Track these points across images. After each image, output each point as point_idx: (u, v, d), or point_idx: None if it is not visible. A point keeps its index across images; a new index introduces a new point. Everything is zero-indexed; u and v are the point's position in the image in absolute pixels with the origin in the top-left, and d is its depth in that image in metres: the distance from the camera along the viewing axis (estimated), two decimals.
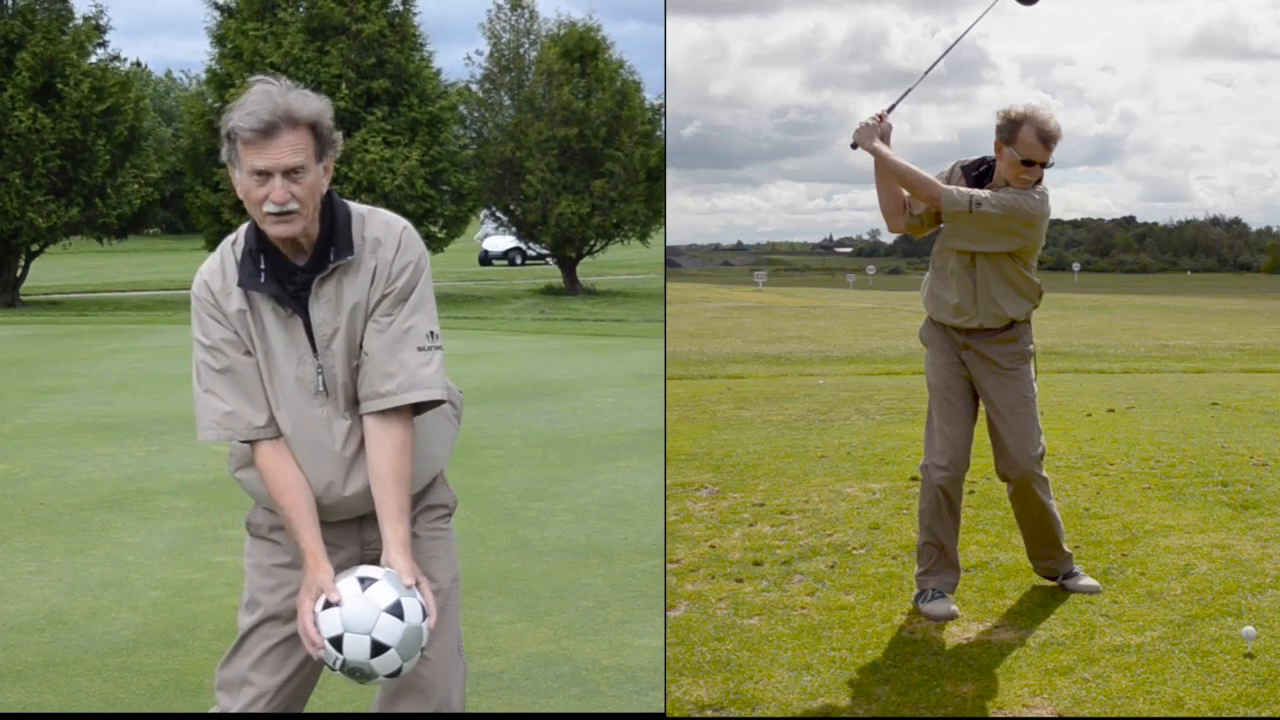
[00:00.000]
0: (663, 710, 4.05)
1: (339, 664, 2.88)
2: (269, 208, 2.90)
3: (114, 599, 5.83)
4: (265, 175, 2.89)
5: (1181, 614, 4.63)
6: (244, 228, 3.03)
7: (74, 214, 28.46)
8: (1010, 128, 4.52)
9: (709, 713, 3.90)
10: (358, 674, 2.89)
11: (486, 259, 49.76)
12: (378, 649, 2.85)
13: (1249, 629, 4.32)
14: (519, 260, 49.38)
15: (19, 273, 29.21)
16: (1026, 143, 4.50)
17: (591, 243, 33.31)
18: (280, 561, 3.11)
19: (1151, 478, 7.08)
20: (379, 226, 3.03)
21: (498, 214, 34.00)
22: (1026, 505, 4.86)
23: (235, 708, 3.08)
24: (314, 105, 2.93)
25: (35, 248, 29.41)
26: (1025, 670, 4.14)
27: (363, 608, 2.86)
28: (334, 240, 2.98)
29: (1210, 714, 3.80)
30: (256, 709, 3.07)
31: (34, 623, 5.50)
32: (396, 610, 2.86)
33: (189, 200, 31.02)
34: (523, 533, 6.97)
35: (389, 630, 2.85)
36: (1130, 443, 8.33)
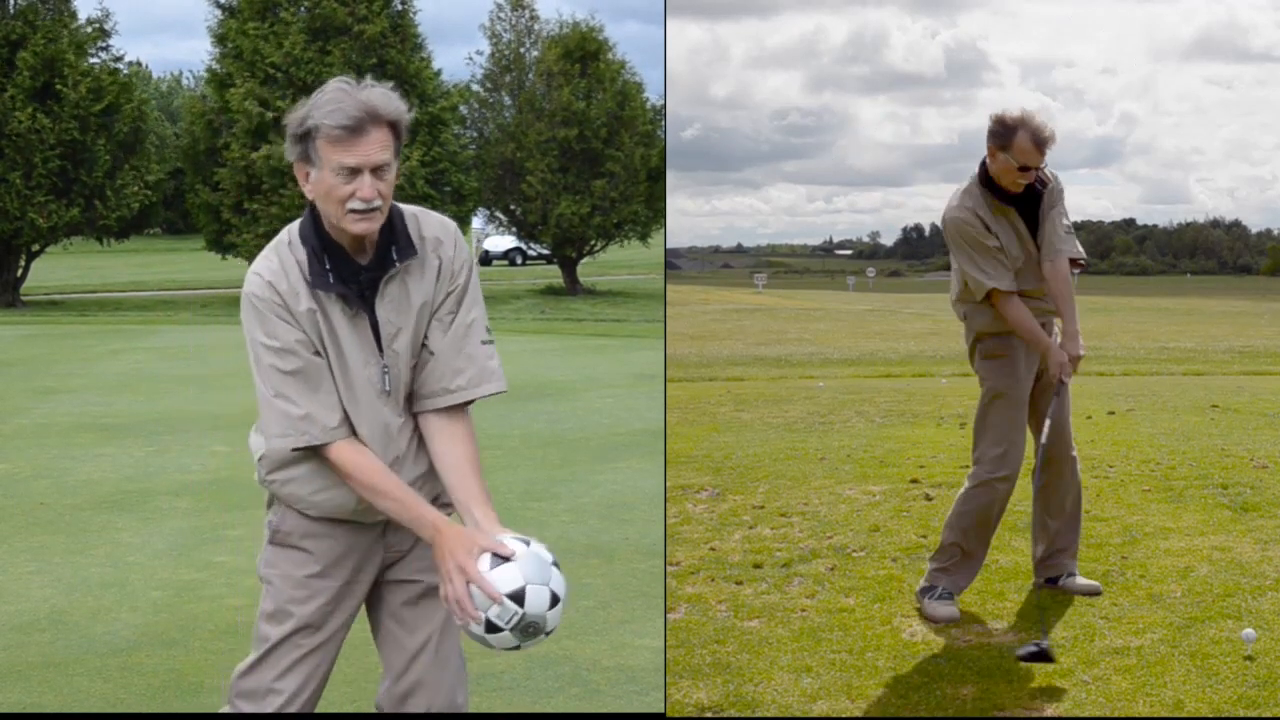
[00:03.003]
0: (663, 711, 4.05)
1: (516, 620, 2.78)
2: (355, 205, 2.89)
3: (114, 599, 5.82)
4: (353, 172, 2.88)
5: (1181, 616, 4.64)
6: (295, 228, 3.01)
7: (74, 214, 28.45)
8: (1006, 133, 4.52)
9: (709, 715, 3.90)
10: (530, 630, 2.80)
11: (487, 259, 49.80)
12: (554, 601, 2.82)
13: (1249, 631, 4.32)
14: (519, 260, 49.41)
15: (19, 273, 29.20)
16: (1022, 148, 4.50)
17: (592, 243, 33.32)
18: (312, 572, 3.08)
19: (1151, 480, 7.09)
20: (435, 226, 3.07)
21: (498, 214, 34.01)
22: (1069, 487, 4.93)
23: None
24: (396, 104, 2.94)
25: (36, 248, 29.42)
26: (1025, 673, 4.14)
27: (536, 560, 2.84)
28: (394, 239, 2.99)
29: (1210, 716, 3.80)
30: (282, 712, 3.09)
31: (34, 623, 5.50)
32: (558, 566, 2.86)
33: (189, 200, 31.02)
34: (523, 533, 6.95)
35: (560, 584, 2.84)
36: (1130, 445, 8.34)
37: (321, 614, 3.08)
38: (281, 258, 2.98)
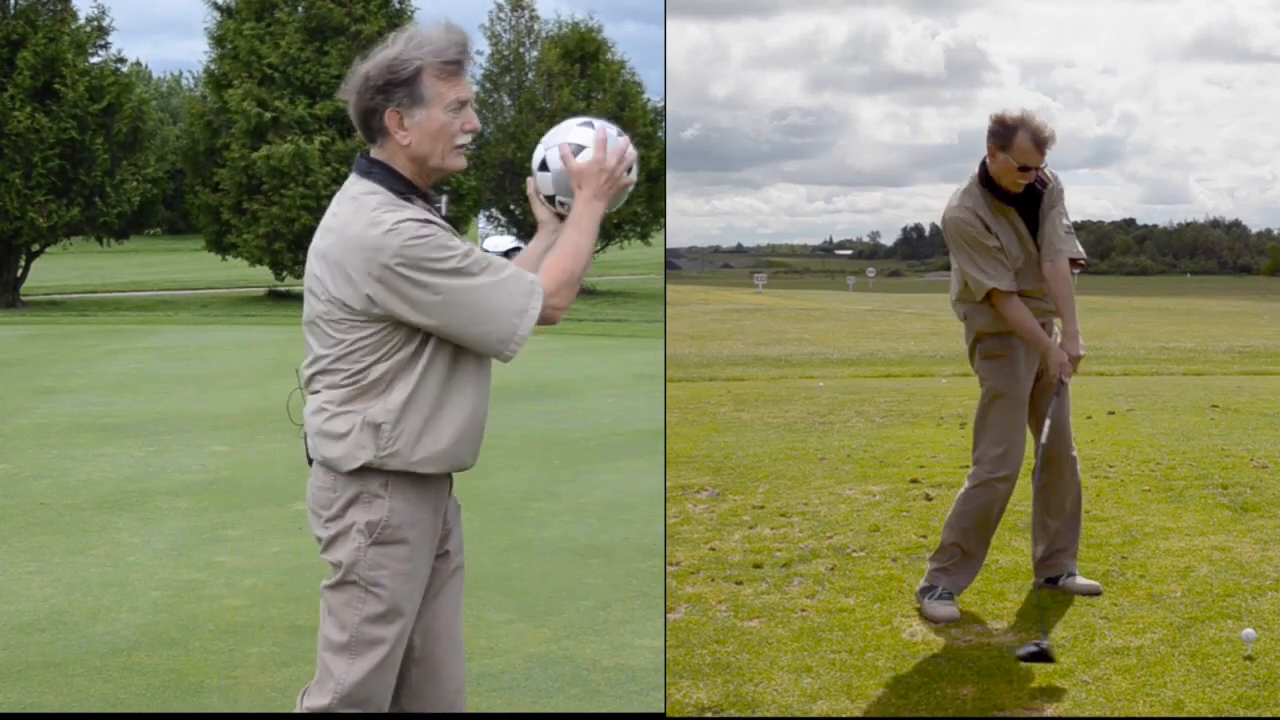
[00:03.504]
0: (663, 711, 4.05)
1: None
2: (463, 139, 3.00)
3: (114, 599, 5.82)
4: (461, 106, 2.98)
5: (1181, 616, 4.64)
6: (382, 189, 2.98)
7: (74, 214, 28.44)
8: (1006, 134, 4.53)
9: (709, 715, 3.90)
10: None
11: None
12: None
13: (1249, 631, 4.32)
14: None
15: (19, 273, 29.20)
16: (1023, 149, 4.51)
17: None
18: (414, 564, 3.06)
19: (1151, 480, 7.09)
20: None
21: (497, 214, 34.02)
22: (1069, 487, 4.94)
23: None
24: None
25: (36, 248, 29.41)
26: (1025, 673, 4.14)
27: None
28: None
29: (1210, 716, 3.80)
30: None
31: (34, 623, 5.50)
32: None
33: (189, 201, 31.03)
34: (523, 533, 6.96)
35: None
36: (1130, 445, 8.33)
37: (417, 606, 3.09)
38: (407, 205, 2.96)
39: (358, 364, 2.98)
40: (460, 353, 3.02)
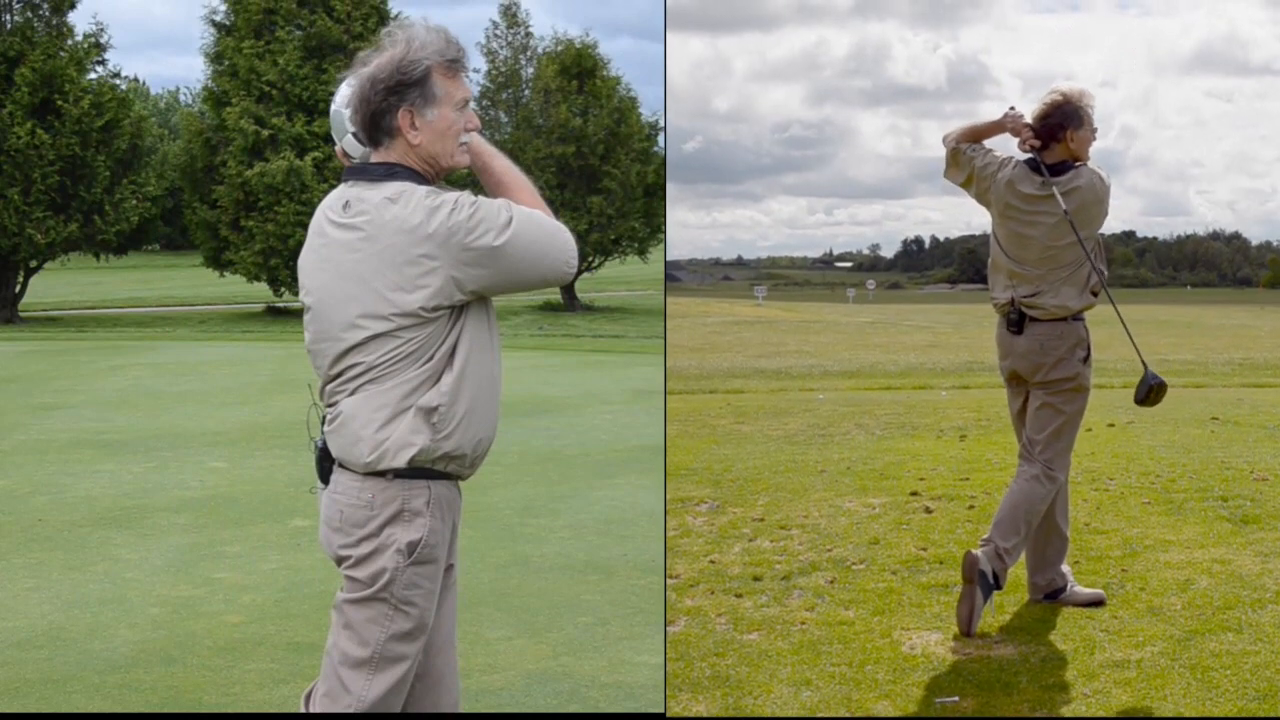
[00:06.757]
0: (662, 711, 4.04)
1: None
2: (466, 138, 3.06)
3: (112, 616, 5.81)
4: (465, 105, 3.04)
5: (1181, 629, 4.63)
6: (399, 183, 2.98)
7: (73, 230, 28.48)
8: (1078, 111, 4.69)
9: None
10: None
11: None
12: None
13: None
14: None
15: (17, 289, 29.22)
16: (1090, 117, 4.70)
17: (590, 259, 33.37)
18: (439, 579, 3.08)
19: (1151, 493, 7.08)
20: None
21: None
22: (1065, 498, 5.02)
23: None
24: None
25: (34, 264, 29.43)
26: (1025, 686, 4.13)
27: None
28: None
29: None
30: None
31: (32, 640, 5.49)
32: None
33: (187, 217, 31.08)
34: (521, 549, 6.95)
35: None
36: (1130, 458, 8.33)
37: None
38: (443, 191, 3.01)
39: (416, 361, 2.95)
40: (481, 325, 3.02)
